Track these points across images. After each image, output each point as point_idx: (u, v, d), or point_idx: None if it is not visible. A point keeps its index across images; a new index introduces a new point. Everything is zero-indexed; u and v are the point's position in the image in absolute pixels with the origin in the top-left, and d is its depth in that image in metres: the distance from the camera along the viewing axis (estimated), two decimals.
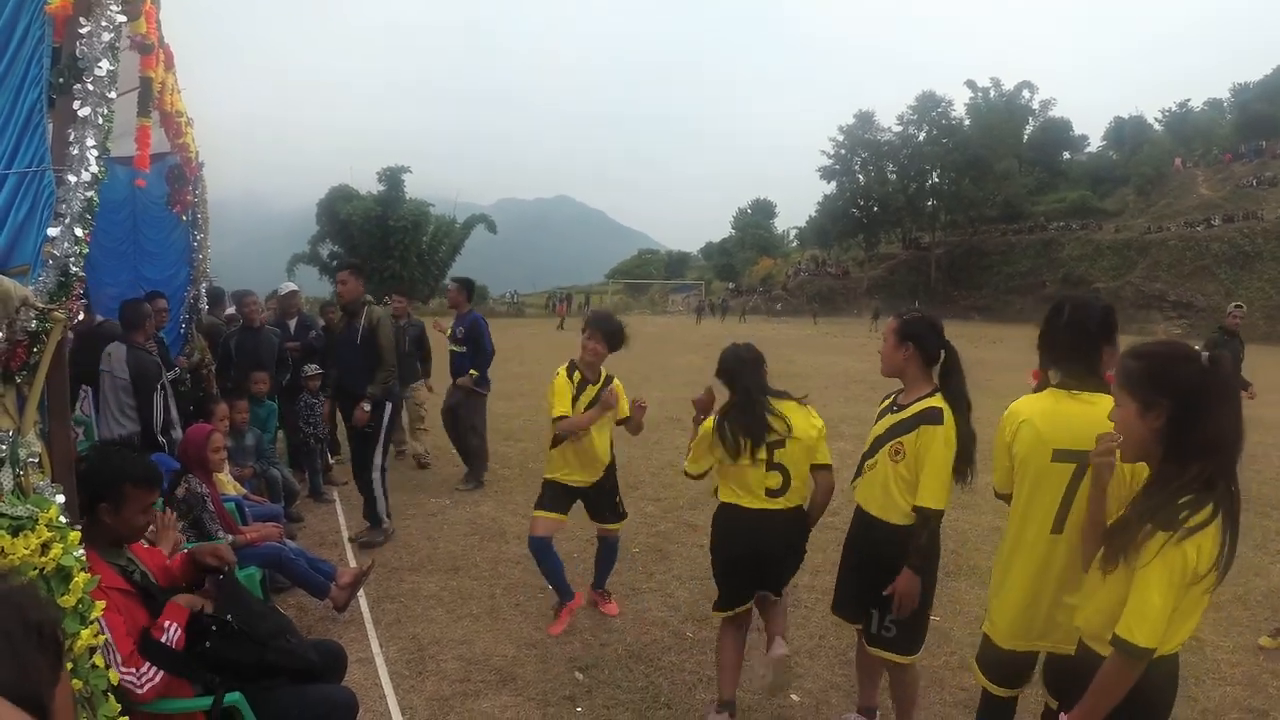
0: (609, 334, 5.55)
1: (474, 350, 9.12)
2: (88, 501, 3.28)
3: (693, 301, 66.04)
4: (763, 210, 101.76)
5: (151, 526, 3.49)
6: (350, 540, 7.31)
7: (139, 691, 3.09)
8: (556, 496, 5.63)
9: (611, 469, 5.76)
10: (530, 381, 16.91)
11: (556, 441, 5.55)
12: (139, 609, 3.29)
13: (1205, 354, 2.40)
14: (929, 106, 68.67)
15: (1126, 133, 78.84)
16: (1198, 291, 52.18)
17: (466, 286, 9.52)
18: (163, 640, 3.18)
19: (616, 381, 5.65)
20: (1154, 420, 2.39)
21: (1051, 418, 2.98)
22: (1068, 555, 2.94)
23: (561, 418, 5.40)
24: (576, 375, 5.53)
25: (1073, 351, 3.05)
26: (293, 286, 10.25)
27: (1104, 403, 2.80)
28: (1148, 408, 2.40)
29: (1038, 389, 3.10)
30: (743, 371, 4.25)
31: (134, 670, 3.10)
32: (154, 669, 3.14)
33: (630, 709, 4.54)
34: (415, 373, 10.13)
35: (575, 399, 5.48)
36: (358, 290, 7.29)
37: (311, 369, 8.78)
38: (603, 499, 5.76)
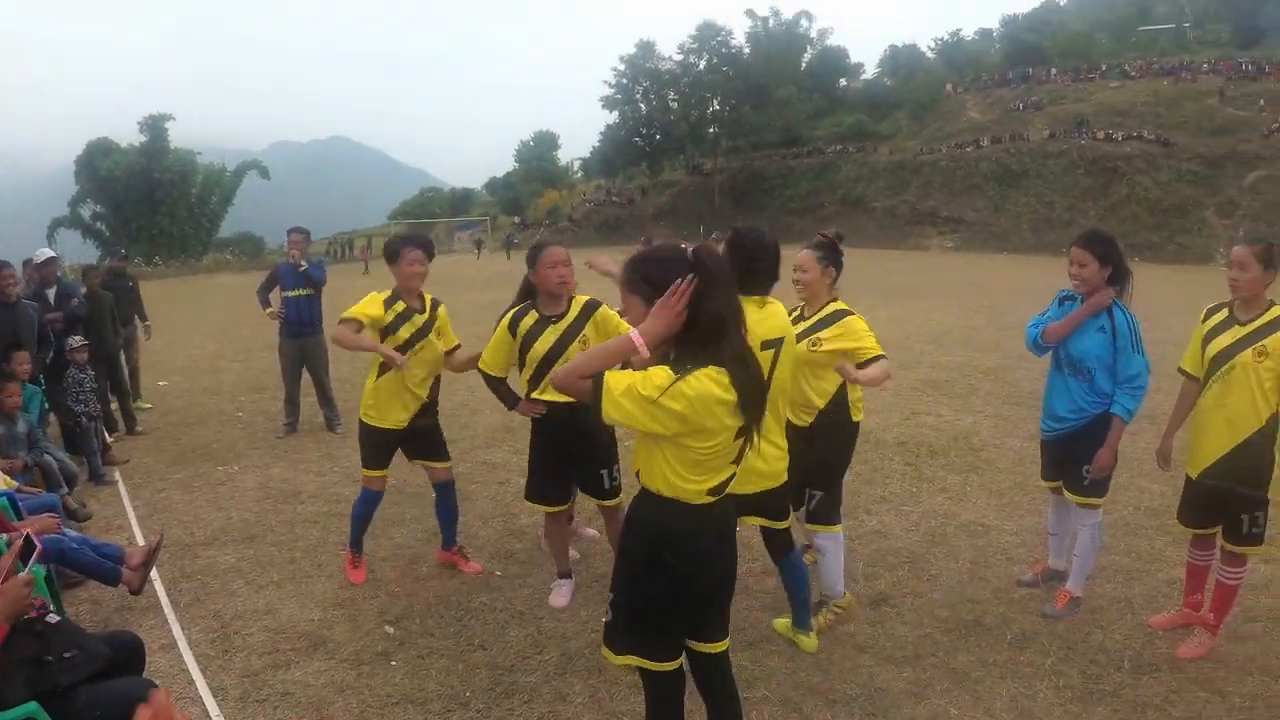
0: (422, 243, 5.39)
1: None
2: None
3: (479, 236, 64.58)
4: (546, 142, 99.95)
5: None
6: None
7: None
8: (379, 448, 5.42)
9: (433, 407, 5.54)
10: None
11: (383, 370, 5.25)
12: None
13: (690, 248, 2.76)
14: (709, 36, 69.70)
15: (901, 60, 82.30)
16: (968, 207, 55.67)
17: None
18: None
19: (442, 308, 5.44)
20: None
21: (758, 319, 3.81)
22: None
23: (349, 320, 5.07)
24: (399, 304, 5.21)
25: (761, 273, 3.97)
26: (50, 253, 9.48)
27: (778, 306, 4.04)
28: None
29: None
30: None
31: None
32: None
33: (446, 655, 4.53)
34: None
35: (394, 328, 5.18)
36: None
37: (76, 341, 8.19)
38: (423, 437, 5.50)
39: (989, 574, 5.37)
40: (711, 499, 2.81)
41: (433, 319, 5.34)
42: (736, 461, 2.82)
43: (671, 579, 2.83)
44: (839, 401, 4.64)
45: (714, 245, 3.08)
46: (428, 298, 5.37)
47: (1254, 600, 4.94)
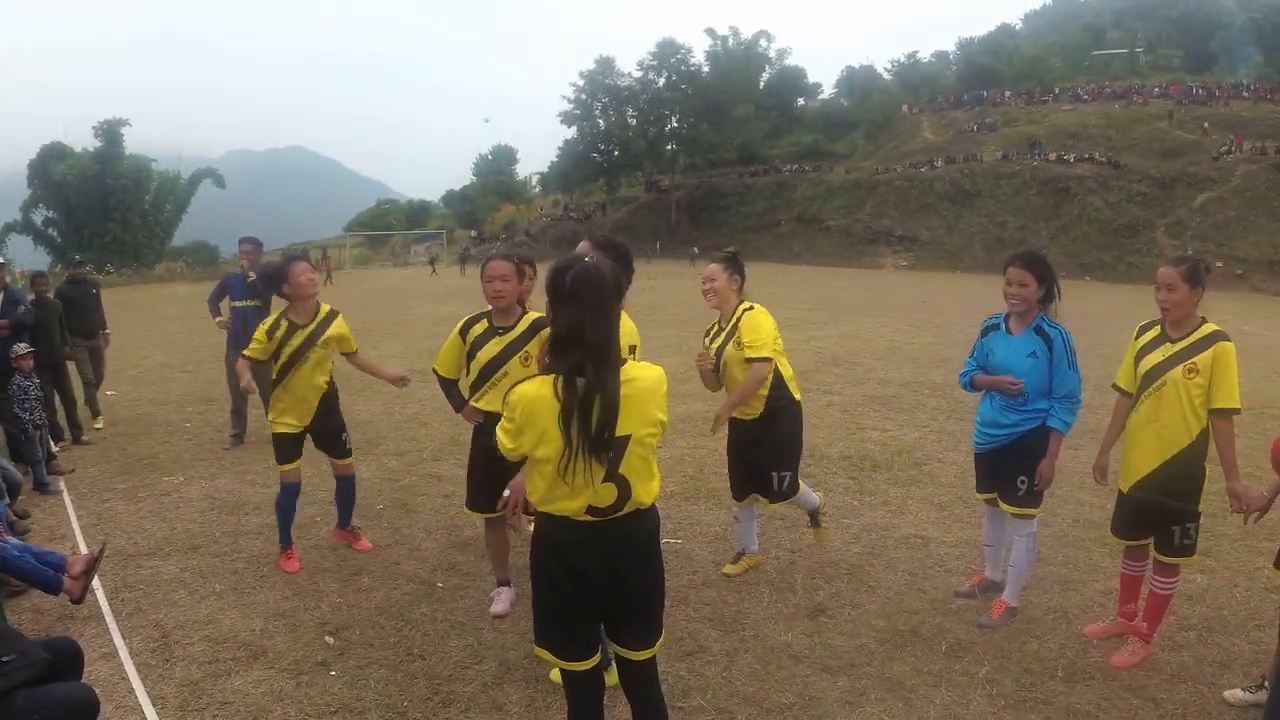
0: (305, 256, 5.97)
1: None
2: None
3: (436, 250, 64.14)
4: (504, 156, 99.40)
5: None
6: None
7: None
8: (287, 446, 5.87)
9: (329, 411, 5.96)
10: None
11: (276, 382, 5.78)
12: None
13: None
14: (669, 53, 70.25)
15: (858, 81, 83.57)
16: (922, 226, 56.44)
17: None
18: None
19: (338, 318, 5.89)
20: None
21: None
22: None
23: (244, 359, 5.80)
24: (281, 326, 5.68)
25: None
26: None
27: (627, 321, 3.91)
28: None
29: None
30: None
31: None
32: None
33: (385, 665, 4.54)
34: None
35: (279, 351, 5.68)
36: None
37: (22, 348, 8.10)
38: (324, 434, 6.02)
39: (927, 585, 5.45)
40: (594, 519, 2.84)
41: (322, 327, 5.76)
42: (614, 480, 2.81)
43: (558, 588, 2.90)
44: (778, 385, 5.25)
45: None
46: (324, 309, 5.80)
47: (1189, 609, 5.05)
